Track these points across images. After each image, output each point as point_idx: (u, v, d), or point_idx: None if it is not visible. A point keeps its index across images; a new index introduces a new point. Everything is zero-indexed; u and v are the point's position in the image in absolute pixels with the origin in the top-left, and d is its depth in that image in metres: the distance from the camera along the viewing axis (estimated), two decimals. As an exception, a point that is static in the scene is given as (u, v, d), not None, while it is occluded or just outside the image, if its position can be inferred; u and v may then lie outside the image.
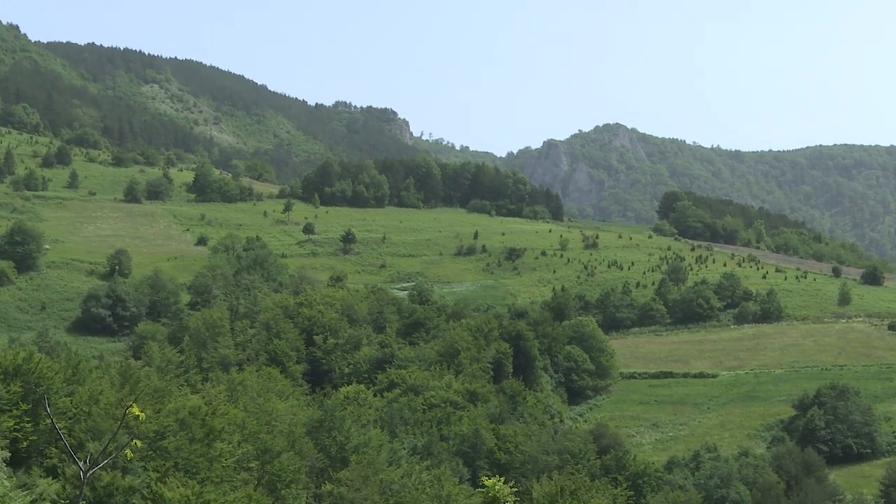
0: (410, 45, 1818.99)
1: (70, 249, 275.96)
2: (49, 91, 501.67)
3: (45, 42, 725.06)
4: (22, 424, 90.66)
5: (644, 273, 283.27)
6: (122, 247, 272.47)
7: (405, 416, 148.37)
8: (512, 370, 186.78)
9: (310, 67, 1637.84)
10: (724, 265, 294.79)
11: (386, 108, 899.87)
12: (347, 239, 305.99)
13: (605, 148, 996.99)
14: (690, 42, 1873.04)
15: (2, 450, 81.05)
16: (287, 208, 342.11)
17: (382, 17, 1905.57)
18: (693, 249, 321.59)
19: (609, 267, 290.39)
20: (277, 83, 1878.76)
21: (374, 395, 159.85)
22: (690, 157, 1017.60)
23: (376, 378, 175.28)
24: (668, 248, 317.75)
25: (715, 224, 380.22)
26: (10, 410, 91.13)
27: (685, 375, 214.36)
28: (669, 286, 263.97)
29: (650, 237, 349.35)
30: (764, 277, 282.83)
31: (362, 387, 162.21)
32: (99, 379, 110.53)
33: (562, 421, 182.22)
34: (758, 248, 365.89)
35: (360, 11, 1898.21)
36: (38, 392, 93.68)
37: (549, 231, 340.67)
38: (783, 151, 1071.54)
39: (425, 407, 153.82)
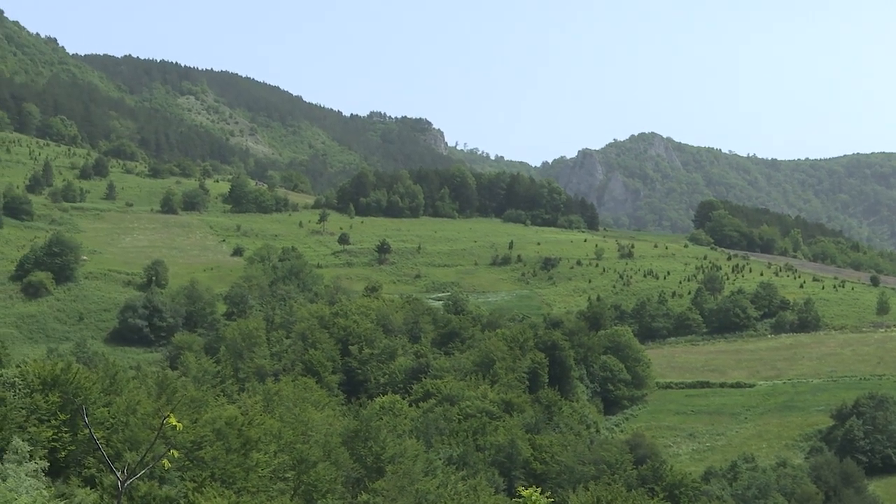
0: (445, 55, 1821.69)
1: (107, 260, 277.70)
2: (86, 103, 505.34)
3: (83, 55, 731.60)
4: (60, 434, 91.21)
5: (680, 282, 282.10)
6: (158, 258, 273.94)
7: (441, 426, 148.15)
8: (547, 380, 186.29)
9: (345, 78, 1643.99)
10: (761, 274, 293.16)
11: (420, 118, 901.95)
12: (382, 249, 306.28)
13: (641, 157, 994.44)
14: (725, 51, 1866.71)
15: (41, 460, 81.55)
16: (322, 219, 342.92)
17: (417, 27, 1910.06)
18: (729, 259, 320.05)
19: (645, 276, 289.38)
20: (312, 94, 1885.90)
21: (410, 405, 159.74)
22: (726, 166, 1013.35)
23: (412, 388, 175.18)
24: (705, 258, 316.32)
25: (751, 233, 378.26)
26: (49, 420, 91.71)
27: (722, 385, 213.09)
28: (706, 295, 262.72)
29: (686, 246, 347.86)
30: (801, 287, 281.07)
31: (398, 397, 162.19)
32: (136, 389, 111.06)
33: (598, 431, 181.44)
34: (795, 257, 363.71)
35: (395, 22, 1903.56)
36: (77, 402, 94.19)
37: (585, 240, 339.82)
38: (820, 160, 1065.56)
39: (461, 417, 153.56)
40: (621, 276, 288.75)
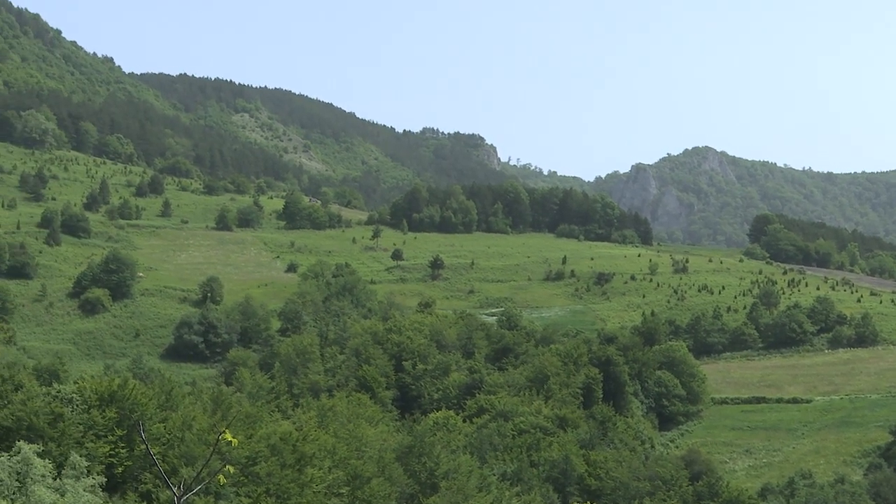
0: (497, 71, 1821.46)
1: (163, 277, 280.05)
2: (142, 121, 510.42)
3: (139, 74, 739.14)
4: (117, 450, 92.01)
5: (735, 297, 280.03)
6: (213, 274, 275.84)
7: (495, 442, 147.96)
8: (602, 396, 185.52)
9: (397, 94, 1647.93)
10: (817, 289, 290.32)
11: (473, 134, 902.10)
12: (436, 265, 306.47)
13: (695, 171, 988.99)
14: (779, 64, 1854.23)
15: (98, 475, 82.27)
16: (376, 234, 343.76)
17: (470, 44, 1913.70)
18: (785, 273, 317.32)
19: (699, 291, 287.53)
20: (365, 110, 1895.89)
21: (464, 421, 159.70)
22: (781, 180, 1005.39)
23: (465, 404, 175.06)
24: (760, 272, 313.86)
25: (807, 247, 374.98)
26: (106, 436, 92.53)
27: (778, 401, 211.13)
28: (761, 310, 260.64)
29: (741, 261, 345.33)
30: (858, 301, 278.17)
31: (451, 412, 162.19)
32: (192, 405, 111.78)
33: (653, 447, 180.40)
34: (852, 271, 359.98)
35: (448, 38, 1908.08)
36: (133, 418, 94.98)
37: (639, 255, 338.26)
38: (877, 173, 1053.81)
39: (515, 433, 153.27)
40: (675, 291, 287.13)
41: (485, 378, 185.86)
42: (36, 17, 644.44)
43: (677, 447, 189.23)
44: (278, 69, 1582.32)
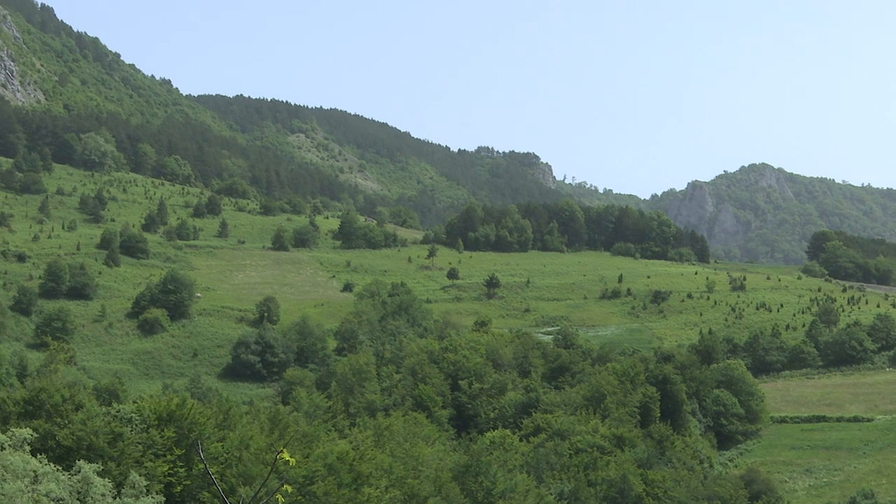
0: (552, 89, 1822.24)
1: (220, 297, 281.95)
2: (200, 143, 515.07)
3: (196, 96, 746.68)
4: (176, 469, 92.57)
5: (794, 315, 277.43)
6: (270, 294, 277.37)
7: (551, 461, 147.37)
8: (659, 414, 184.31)
9: (452, 113, 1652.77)
10: (878, 306, 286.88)
11: (528, 153, 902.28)
12: (491, 283, 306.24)
13: (752, 188, 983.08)
14: (836, 79, 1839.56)
15: (157, 494, 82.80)
16: (431, 254, 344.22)
17: (524, 63, 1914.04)
18: (844, 290, 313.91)
19: (757, 309, 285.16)
20: (420, 130, 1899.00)
21: (520, 440, 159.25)
22: (840, 196, 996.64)
23: (522, 422, 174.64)
24: (819, 290, 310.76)
25: (867, 264, 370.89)
26: (165, 455, 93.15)
27: (839, 419, 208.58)
28: (821, 328, 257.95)
29: (799, 278, 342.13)
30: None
31: (508, 431, 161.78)
32: (249, 424, 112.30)
33: (711, 466, 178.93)
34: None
35: (502, 58, 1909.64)
36: (191, 437, 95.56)
37: (695, 273, 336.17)
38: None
39: (572, 452, 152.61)
40: (733, 309, 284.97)
41: (541, 397, 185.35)
42: (95, 40, 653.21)
43: (736, 466, 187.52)
44: (334, 90, 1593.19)
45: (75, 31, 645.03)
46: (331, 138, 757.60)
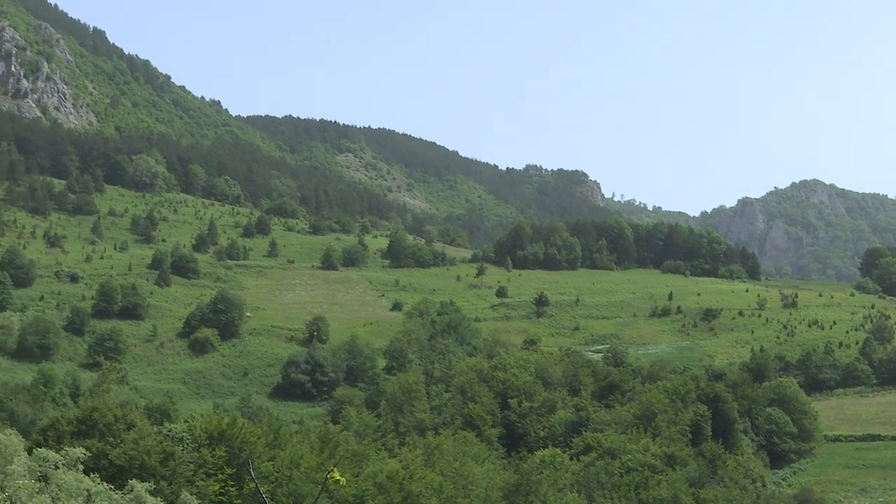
0: (600, 107, 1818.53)
1: (270, 316, 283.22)
2: (249, 163, 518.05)
3: (245, 116, 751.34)
4: (227, 488, 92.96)
5: (847, 332, 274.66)
6: (319, 313, 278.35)
7: (602, 481, 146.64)
8: (711, 433, 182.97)
9: (500, 132, 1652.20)
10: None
11: (577, 171, 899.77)
12: (540, 302, 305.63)
13: (803, 205, 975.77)
14: (889, 94, 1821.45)
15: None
16: (480, 272, 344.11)
17: (572, 82, 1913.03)
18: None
19: (809, 326, 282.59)
20: (469, 149, 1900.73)
21: (571, 459, 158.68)
22: (893, 212, 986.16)
23: (572, 441, 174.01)
24: (872, 307, 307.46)
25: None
26: (216, 474, 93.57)
27: (894, 438, 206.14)
28: (874, 345, 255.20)
29: (852, 295, 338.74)
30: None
31: (558, 450, 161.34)
32: (299, 444, 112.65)
33: (764, 485, 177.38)
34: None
35: (550, 76, 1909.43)
36: (242, 456, 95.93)
37: (746, 291, 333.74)
38: None
39: (622, 471, 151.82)
40: (785, 327, 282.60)
41: (591, 415, 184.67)
42: (146, 63, 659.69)
43: (790, 486, 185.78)
44: (382, 109, 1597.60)
45: (127, 53, 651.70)
46: (379, 157, 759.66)
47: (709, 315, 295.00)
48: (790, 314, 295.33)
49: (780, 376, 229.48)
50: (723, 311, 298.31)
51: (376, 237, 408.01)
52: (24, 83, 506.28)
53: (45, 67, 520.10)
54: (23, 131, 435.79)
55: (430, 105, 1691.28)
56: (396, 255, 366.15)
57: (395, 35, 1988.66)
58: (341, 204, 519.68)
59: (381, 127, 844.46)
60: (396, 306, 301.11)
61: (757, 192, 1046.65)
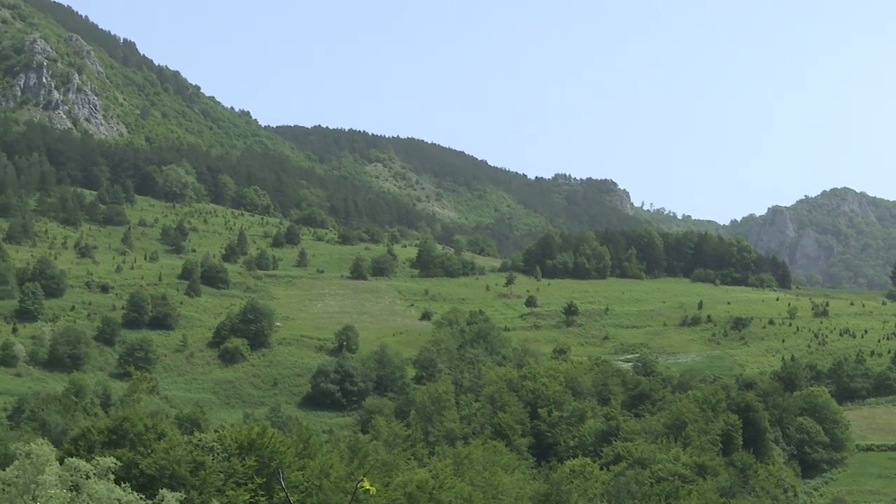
0: (629, 115, 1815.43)
1: (300, 326, 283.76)
2: (278, 173, 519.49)
3: (275, 126, 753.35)
4: (257, 498, 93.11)
5: (879, 341, 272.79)
6: (349, 323, 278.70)
7: (632, 490, 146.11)
8: (742, 442, 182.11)
9: (529, 141, 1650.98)
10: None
11: (606, 179, 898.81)
12: (570, 311, 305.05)
13: (833, 213, 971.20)
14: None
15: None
16: (509, 281, 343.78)
17: (599, 90, 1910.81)
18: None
19: (841, 335, 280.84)
20: (497, 158, 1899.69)
21: (600, 469, 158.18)
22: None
23: (602, 451, 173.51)
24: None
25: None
26: (246, 484, 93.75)
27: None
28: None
29: (884, 304, 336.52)
30: None
31: (588, 460, 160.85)
32: (329, 453, 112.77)
33: (796, 495, 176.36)
34: None
35: (578, 85, 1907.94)
36: (272, 466, 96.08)
37: (777, 299, 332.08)
38: None
39: (653, 480, 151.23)
40: (816, 336, 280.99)
41: (621, 425, 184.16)
42: (176, 74, 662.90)
43: (821, 496, 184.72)
44: (410, 119, 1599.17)
45: (156, 65, 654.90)
46: (408, 167, 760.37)
47: (739, 324, 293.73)
48: (821, 323, 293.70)
49: (812, 385, 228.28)
50: (753, 319, 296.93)
51: (405, 247, 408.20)
52: (56, 95, 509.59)
53: (76, 79, 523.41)
54: (54, 142, 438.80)
55: (459, 114, 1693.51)
56: (425, 265, 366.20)
57: (423, 45, 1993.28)
58: (370, 214, 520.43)
59: (410, 137, 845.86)
60: (426, 316, 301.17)
61: (787, 201, 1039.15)
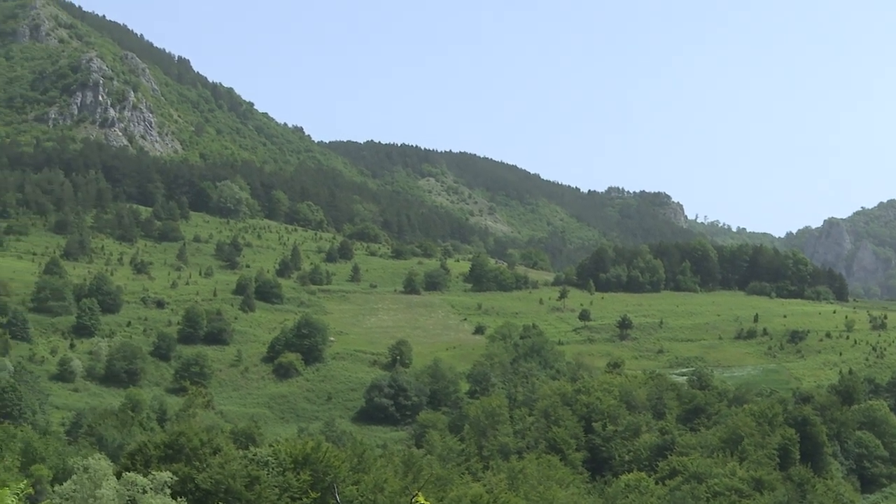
0: (683, 128, 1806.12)
1: (353, 341, 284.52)
2: (331, 188, 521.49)
3: (328, 142, 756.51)
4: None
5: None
6: (402, 337, 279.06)
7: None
8: (799, 457, 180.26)
9: (582, 155, 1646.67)
10: None
11: (659, 192, 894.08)
12: (624, 324, 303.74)
13: (891, 224, 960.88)
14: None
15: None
16: (562, 295, 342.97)
17: (652, 103, 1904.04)
18: None
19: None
20: (550, 172, 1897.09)
21: (656, 483, 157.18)
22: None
23: (657, 465, 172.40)
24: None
25: None
26: (301, 498, 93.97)
27: None
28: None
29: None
30: None
31: (643, 474, 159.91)
32: (383, 467, 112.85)
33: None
34: None
35: (631, 99, 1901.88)
36: (327, 480, 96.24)
37: (834, 312, 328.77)
38: None
39: (709, 495, 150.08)
40: (874, 348, 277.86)
41: (676, 439, 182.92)
42: (230, 90, 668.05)
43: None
44: (463, 133, 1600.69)
45: (210, 82, 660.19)
46: (461, 182, 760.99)
47: (795, 337, 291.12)
48: (879, 336, 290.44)
49: (870, 399, 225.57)
50: (810, 332, 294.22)
51: (458, 261, 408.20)
52: (112, 112, 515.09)
53: (132, 97, 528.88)
54: (110, 160, 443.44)
55: (511, 128, 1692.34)
56: (478, 279, 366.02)
57: (475, 60, 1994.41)
58: (423, 228, 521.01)
59: (463, 151, 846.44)
60: (479, 330, 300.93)
61: (843, 213, 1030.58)
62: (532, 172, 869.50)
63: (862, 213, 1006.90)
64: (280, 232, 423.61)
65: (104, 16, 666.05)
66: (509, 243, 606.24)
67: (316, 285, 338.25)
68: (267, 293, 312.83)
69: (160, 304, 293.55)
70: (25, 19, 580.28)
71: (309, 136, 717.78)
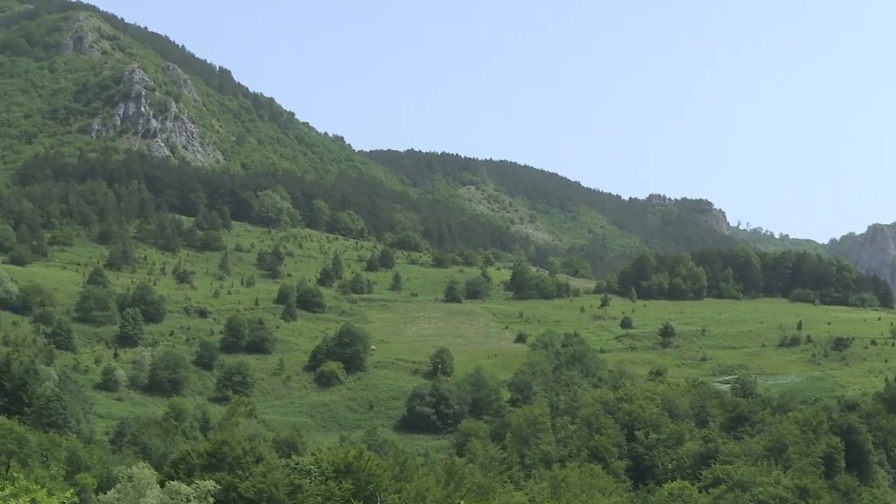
0: (723, 136, 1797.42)
1: (394, 349, 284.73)
2: (372, 197, 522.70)
3: (368, 151, 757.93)
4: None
5: None
6: (443, 346, 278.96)
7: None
8: (844, 465, 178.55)
9: (623, 162, 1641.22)
10: None
11: (701, 199, 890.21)
12: (666, 332, 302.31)
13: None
14: None
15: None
16: (604, 303, 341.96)
17: (694, 111, 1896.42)
18: None
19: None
20: (591, 179, 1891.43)
21: (699, 492, 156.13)
22: None
23: (701, 474, 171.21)
24: None
25: None
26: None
27: None
28: None
29: None
30: None
31: (686, 483, 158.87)
32: (425, 476, 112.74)
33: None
34: None
35: (670, 106, 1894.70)
36: (369, 489, 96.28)
37: (879, 319, 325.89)
38: None
39: (753, 503, 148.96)
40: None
41: (720, 447, 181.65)
42: (271, 100, 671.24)
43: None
44: (503, 141, 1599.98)
45: (251, 92, 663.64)
46: (501, 190, 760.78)
47: (840, 344, 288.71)
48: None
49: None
50: (854, 340, 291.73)
51: (499, 269, 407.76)
52: (154, 123, 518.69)
53: (174, 107, 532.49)
54: (152, 170, 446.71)
55: (552, 136, 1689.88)
56: (520, 287, 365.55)
57: (514, 69, 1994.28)
58: (464, 237, 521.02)
59: (503, 159, 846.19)
60: (520, 338, 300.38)
61: (888, 219, 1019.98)
62: (573, 180, 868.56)
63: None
64: (321, 241, 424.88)
65: (146, 27, 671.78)
66: (550, 251, 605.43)
67: (357, 294, 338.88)
68: (308, 302, 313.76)
69: (202, 314, 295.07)
70: (69, 32, 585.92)
71: (349, 145, 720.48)
